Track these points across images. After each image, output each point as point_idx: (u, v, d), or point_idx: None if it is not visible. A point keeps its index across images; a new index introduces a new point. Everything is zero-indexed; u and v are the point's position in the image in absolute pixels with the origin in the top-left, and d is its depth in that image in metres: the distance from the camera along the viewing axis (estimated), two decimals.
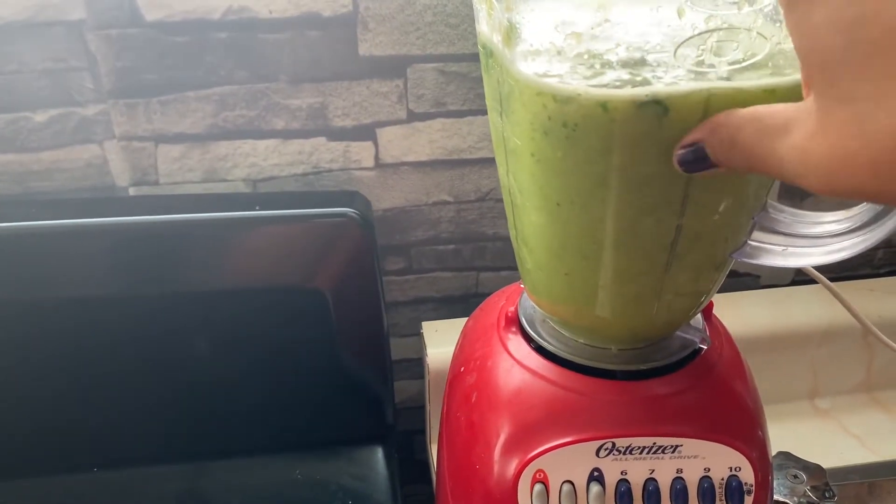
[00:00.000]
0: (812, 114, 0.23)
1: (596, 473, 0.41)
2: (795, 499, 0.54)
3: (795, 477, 0.56)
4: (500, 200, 0.69)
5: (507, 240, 0.71)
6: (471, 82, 0.63)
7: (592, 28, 0.32)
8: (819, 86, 0.23)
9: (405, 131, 0.64)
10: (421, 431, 0.78)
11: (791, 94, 0.30)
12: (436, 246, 0.71)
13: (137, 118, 0.60)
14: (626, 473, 0.41)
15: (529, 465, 0.41)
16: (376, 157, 0.65)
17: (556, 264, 0.39)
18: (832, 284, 0.52)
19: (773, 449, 0.45)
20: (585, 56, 0.32)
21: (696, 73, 0.31)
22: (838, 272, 0.78)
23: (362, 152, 0.65)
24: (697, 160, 0.30)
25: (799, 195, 0.72)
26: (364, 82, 0.62)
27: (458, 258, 0.72)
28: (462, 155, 0.66)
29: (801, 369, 0.72)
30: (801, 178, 0.24)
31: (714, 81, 0.30)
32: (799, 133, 0.24)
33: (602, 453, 0.41)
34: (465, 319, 0.54)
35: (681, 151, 0.30)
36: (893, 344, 0.57)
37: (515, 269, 0.74)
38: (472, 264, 0.72)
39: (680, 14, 0.30)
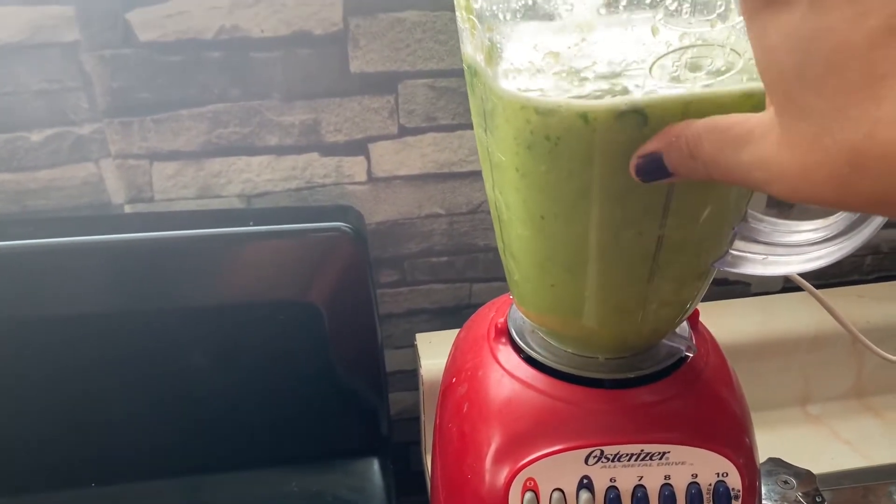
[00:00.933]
0: (774, 125, 0.24)
1: (585, 481, 0.41)
2: None
3: (786, 483, 0.56)
4: None
5: (498, 251, 0.72)
6: (460, 97, 0.64)
7: (570, 48, 0.32)
8: (778, 101, 0.24)
9: (397, 146, 0.65)
10: (416, 443, 0.78)
11: None
12: (429, 258, 0.71)
13: (132, 136, 0.61)
14: (614, 480, 0.42)
15: (520, 474, 0.41)
16: (369, 172, 0.66)
17: (542, 276, 0.40)
18: (818, 292, 0.52)
19: (765, 455, 0.46)
20: (564, 74, 0.33)
21: (673, 85, 0.31)
22: (828, 279, 0.79)
23: (355, 167, 0.66)
24: (655, 170, 0.30)
25: (787, 204, 0.73)
26: (356, 98, 0.63)
27: (451, 270, 0.72)
28: (453, 168, 0.67)
29: (791, 376, 0.72)
30: (767, 185, 0.25)
31: (692, 89, 0.31)
32: (763, 143, 0.25)
33: (591, 461, 0.41)
34: (459, 330, 0.55)
35: (638, 161, 0.31)
36: (880, 350, 0.58)
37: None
38: (465, 276, 0.73)
39: (654, 32, 0.31)
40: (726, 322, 0.69)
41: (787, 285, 0.79)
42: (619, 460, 0.41)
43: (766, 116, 0.25)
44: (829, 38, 0.21)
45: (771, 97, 0.24)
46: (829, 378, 0.73)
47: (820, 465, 0.60)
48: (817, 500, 0.55)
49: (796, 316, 0.72)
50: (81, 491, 0.62)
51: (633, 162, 0.31)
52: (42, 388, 0.60)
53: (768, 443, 0.47)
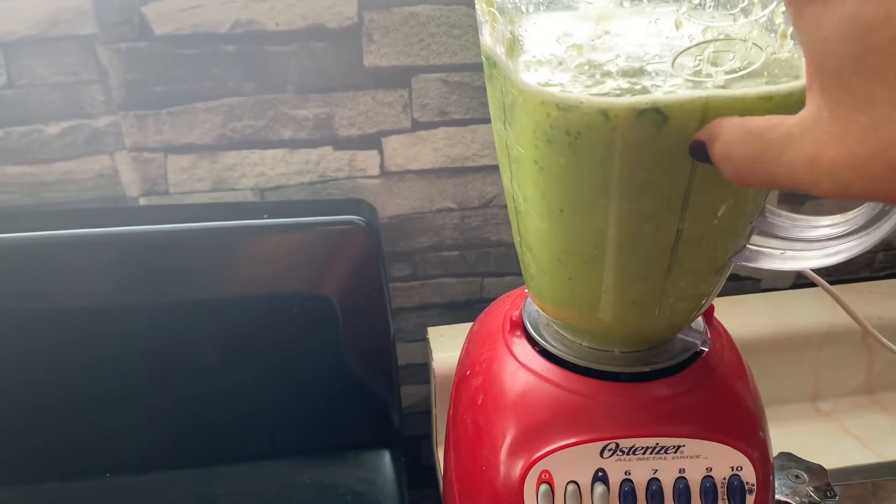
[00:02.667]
0: (821, 121, 0.23)
1: (600, 474, 0.42)
2: (797, 499, 0.55)
3: (797, 477, 0.56)
4: (504, 207, 0.70)
5: (510, 245, 0.72)
6: (474, 91, 0.64)
7: (593, 40, 0.33)
8: (832, 92, 0.23)
9: (410, 140, 0.65)
10: (426, 436, 0.79)
11: (787, 100, 0.31)
12: (440, 252, 0.72)
13: (147, 129, 0.61)
14: (629, 473, 0.42)
15: (535, 466, 0.42)
16: (381, 166, 0.66)
17: (559, 269, 0.40)
18: (832, 287, 0.52)
19: (775, 450, 0.46)
20: (586, 66, 0.33)
21: (694, 81, 0.32)
22: (839, 275, 0.79)
23: (368, 161, 0.66)
24: (702, 157, 0.30)
25: (798, 200, 0.73)
26: (369, 92, 0.63)
27: (463, 264, 0.73)
28: (466, 163, 0.67)
29: (802, 372, 0.73)
30: (814, 185, 0.24)
31: (711, 90, 0.31)
32: (807, 142, 0.24)
33: (606, 454, 0.41)
34: (470, 324, 0.55)
35: (694, 143, 0.31)
36: (893, 346, 0.58)
37: (519, 274, 0.75)
38: (477, 270, 0.73)
39: (677, 26, 0.31)
40: (737, 318, 0.69)
41: (797, 281, 0.79)
42: (633, 453, 0.41)
43: (805, 115, 0.24)
44: (889, 25, 0.20)
45: (823, 91, 0.23)
46: (840, 374, 0.73)
47: (830, 460, 0.60)
48: (829, 494, 0.56)
49: (807, 312, 0.72)
50: (96, 481, 0.63)
51: (690, 142, 0.31)
52: (57, 380, 0.61)
53: (779, 438, 0.47)
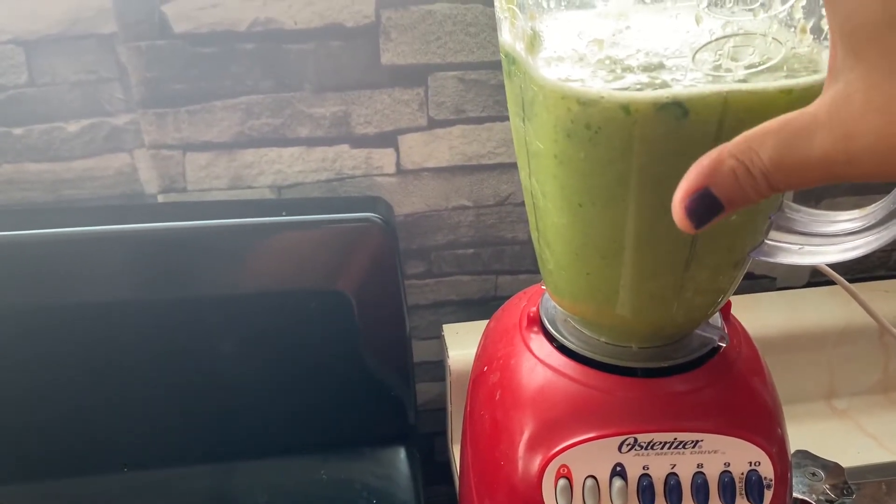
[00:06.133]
0: (855, 95, 0.22)
1: (618, 468, 0.42)
2: (814, 496, 0.55)
3: (814, 475, 0.56)
4: (519, 205, 0.70)
5: (525, 243, 0.72)
6: (490, 90, 0.64)
7: (613, 35, 0.33)
8: (867, 59, 0.22)
9: (426, 138, 0.66)
10: (441, 433, 0.79)
11: (807, 93, 0.31)
12: (455, 250, 0.72)
13: (166, 127, 0.62)
14: (647, 468, 0.42)
15: (553, 461, 0.42)
16: (397, 164, 0.67)
17: (577, 264, 0.40)
18: (850, 285, 0.52)
19: (791, 448, 0.46)
20: (607, 61, 0.33)
21: (714, 76, 0.32)
22: (854, 273, 0.78)
23: (384, 159, 0.66)
24: (707, 208, 0.26)
25: (814, 198, 0.73)
26: (386, 91, 0.63)
27: (478, 262, 0.73)
28: (481, 161, 0.68)
29: (817, 370, 0.72)
30: (853, 165, 0.23)
31: (731, 84, 0.31)
32: (842, 120, 0.23)
33: (624, 449, 0.42)
34: (485, 322, 0.55)
35: (686, 204, 0.27)
36: None
37: (534, 272, 0.75)
38: (491, 268, 0.73)
39: (698, 20, 0.32)
40: (753, 316, 0.68)
41: (812, 280, 0.78)
42: (652, 448, 0.42)
43: (829, 96, 0.23)
44: None
45: (858, 60, 0.22)
46: (856, 372, 0.73)
47: (845, 458, 0.59)
48: (845, 492, 0.55)
49: (823, 310, 0.72)
50: (114, 476, 0.63)
51: (681, 208, 0.27)
52: (76, 376, 0.61)
53: (794, 436, 0.47)
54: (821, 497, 0.55)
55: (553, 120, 0.34)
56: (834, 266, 0.50)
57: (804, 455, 0.58)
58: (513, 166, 0.68)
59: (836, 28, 0.23)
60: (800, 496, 0.55)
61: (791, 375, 0.71)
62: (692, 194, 0.26)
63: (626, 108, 0.32)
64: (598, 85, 0.32)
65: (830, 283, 0.70)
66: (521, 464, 0.43)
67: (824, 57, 0.32)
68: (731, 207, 0.26)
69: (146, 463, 0.64)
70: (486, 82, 0.64)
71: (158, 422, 0.63)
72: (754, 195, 0.26)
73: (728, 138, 0.32)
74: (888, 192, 0.35)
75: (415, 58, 0.62)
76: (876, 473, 0.66)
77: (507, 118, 0.66)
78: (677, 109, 0.31)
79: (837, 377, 0.73)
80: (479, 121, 0.66)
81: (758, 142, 0.25)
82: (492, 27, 0.62)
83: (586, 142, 0.34)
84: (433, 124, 0.65)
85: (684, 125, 0.32)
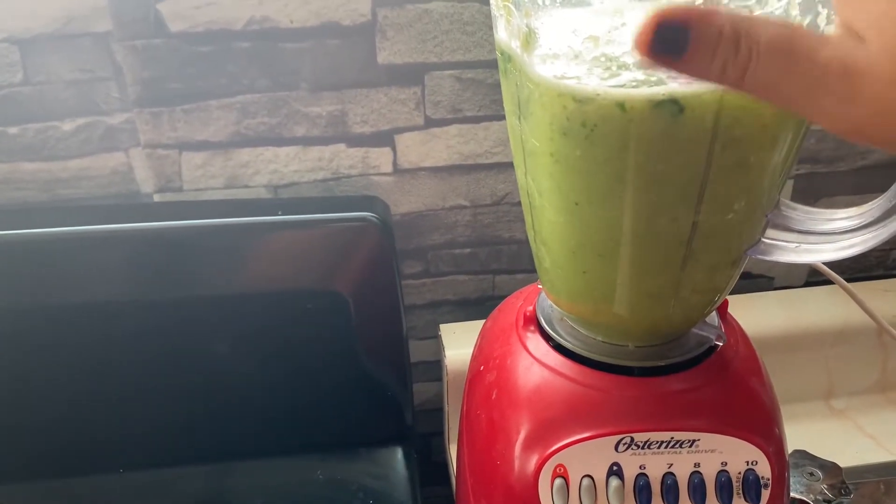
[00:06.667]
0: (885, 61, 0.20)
1: (615, 468, 0.42)
2: (812, 496, 0.55)
3: (812, 475, 0.56)
4: (516, 204, 0.70)
5: (522, 243, 0.72)
6: (487, 88, 0.64)
7: (609, 32, 0.33)
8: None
9: (423, 137, 0.66)
10: (438, 434, 0.79)
11: None
12: (452, 250, 0.72)
13: (162, 126, 0.62)
14: (644, 468, 0.42)
15: (550, 461, 0.42)
16: (394, 163, 0.66)
17: (574, 263, 0.40)
18: (848, 284, 0.52)
19: (789, 447, 0.46)
20: (602, 59, 0.33)
21: None
22: (852, 273, 0.78)
23: (381, 158, 0.66)
24: (670, 45, 0.22)
25: (812, 196, 0.73)
26: (382, 90, 0.63)
27: (475, 261, 0.73)
28: (478, 160, 0.67)
29: (815, 370, 0.72)
30: (851, 100, 0.21)
31: None
32: (847, 45, 0.21)
33: (621, 448, 0.41)
34: (482, 322, 0.55)
35: (657, 28, 0.22)
36: None
37: (531, 271, 0.75)
38: (489, 267, 0.73)
39: None
40: (750, 316, 0.68)
41: (810, 279, 0.78)
42: (648, 447, 0.41)
43: (838, 27, 0.21)
44: None
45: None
46: (854, 372, 0.73)
47: (843, 458, 0.59)
48: (843, 492, 0.55)
49: (821, 310, 0.72)
50: (109, 477, 0.63)
51: (648, 27, 0.22)
52: (70, 376, 0.61)
53: (792, 436, 0.47)
54: (818, 497, 0.55)
55: (549, 118, 0.34)
56: (831, 265, 0.49)
57: (802, 455, 0.58)
58: (510, 165, 0.68)
59: None
60: (797, 496, 0.55)
61: (789, 375, 0.71)
62: (666, 21, 0.22)
63: (621, 106, 0.32)
64: (594, 82, 0.32)
65: (828, 282, 0.69)
66: (517, 463, 0.43)
67: None
68: (688, 62, 0.22)
69: (141, 463, 0.63)
70: (483, 81, 0.64)
71: (153, 422, 0.63)
72: (719, 69, 0.22)
73: (724, 136, 0.33)
74: (885, 190, 0.35)
75: (411, 56, 0.62)
76: (874, 473, 0.66)
77: (504, 117, 0.66)
78: (673, 107, 0.31)
79: (835, 377, 0.73)
80: (476, 120, 0.66)
81: (762, 24, 0.22)
82: (488, 26, 0.62)
83: (582, 140, 0.34)
84: (430, 123, 0.65)
85: (680, 123, 0.32)
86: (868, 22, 0.21)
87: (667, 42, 0.22)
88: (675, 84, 0.31)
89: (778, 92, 0.22)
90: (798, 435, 0.57)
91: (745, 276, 0.77)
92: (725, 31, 0.22)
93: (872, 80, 0.20)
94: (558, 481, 0.42)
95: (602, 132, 0.33)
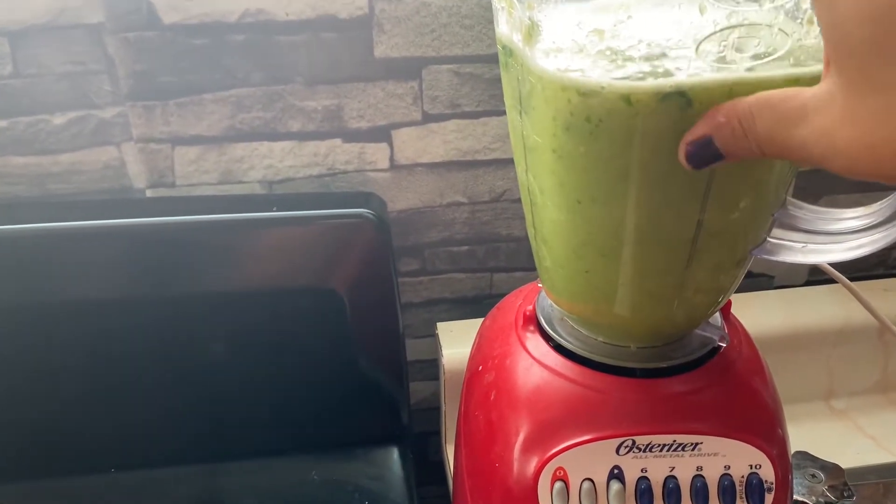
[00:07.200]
0: (836, 100, 0.24)
1: (616, 471, 0.41)
2: (814, 498, 0.54)
3: (813, 476, 0.55)
4: (514, 201, 0.69)
5: (520, 240, 0.71)
6: (485, 83, 0.63)
7: (615, 25, 0.32)
8: (848, 73, 0.23)
9: (420, 133, 0.65)
10: (434, 433, 0.78)
11: (814, 83, 0.30)
12: (450, 247, 0.71)
13: (155, 120, 0.61)
14: (645, 471, 0.41)
15: (549, 463, 0.41)
16: (391, 159, 0.65)
17: (576, 262, 0.39)
18: (851, 283, 0.51)
19: (791, 449, 0.45)
20: (607, 52, 0.32)
21: (718, 67, 0.31)
22: (853, 272, 0.77)
23: (377, 154, 0.65)
24: (706, 155, 0.30)
25: (814, 194, 0.72)
26: (379, 84, 0.62)
27: (472, 259, 0.72)
28: (476, 156, 0.66)
29: (816, 370, 0.72)
30: (826, 160, 0.25)
31: (737, 72, 0.30)
32: (824, 117, 0.24)
33: (622, 451, 0.41)
34: (480, 320, 0.54)
35: (688, 148, 0.30)
36: None
37: (529, 269, 0.74)
38: (486, 265, 0.72)
39: (702, 10, 0.31)
40: (751, 315, 0.67)
41: (811, 278, 0.78)
42: (650, 451, 0.41)
43: (821, 90, 0.25)
44: None
45: (839, 71, 0.24)
46: (855, 372, 0.72)
47: (844, 459, 0.59)
48: (845, 494, 0.55)
49: (822, 309, 0.71)
50: (103, 477, 0.62)
51: (683, 149, 0.30)
52: (62, 374, 0.60)
53: (792, 436, 0.46)
54: (820, 499, 0.55)
55: (552, 113, 0.33)
56: (832, 264, 0.49)
57: (803, 456, 0.57)
58: (508, 162, 0.67)
59: (824, 35, 0.24)
60: (799, 498, 0.54)
61: (789, 375, 0.70)
62: (696, 139, 0.30)
63: (627, 99, 0.31)
64: (599, 74, 0.31)
65: (829, 281, 0.69)
66: (516, 466, 0.42)
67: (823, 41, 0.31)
68: (729, 158, 0.29)
69: (134, 463, 0.63)
70: (482, 76, 0.63)
71: (146, 421, 0.62)
72: (749, 155, 0.28)
73: None
74: (888, 189, 0.34)
75: (409, 50, 0.61)
76: (875, 474, 0.65)
77: (502, 113, 0.65)
78: (680, 99, 0.30)
79: (836, 377, 0.72)
80: (475, 115, 0.65)
81: (758, 110, 0.27)
82: (487, 19, 0.61)
83: (586, 135, 0.33)
84: (427, 119, 0.64)
85: (687, 116, 0.31)
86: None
87: (704, 152, 0.30)
88: (682, 76, 0.31)
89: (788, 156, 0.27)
90: (798, 435, 0.56)
91: (745, 274, 0.76)
92: (736, 131, 0.28)
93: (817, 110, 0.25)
94: (558, 484, 0.41)
95: (607, 128, 0.32)
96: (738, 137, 0.28)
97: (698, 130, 0.30)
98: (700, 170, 0.31)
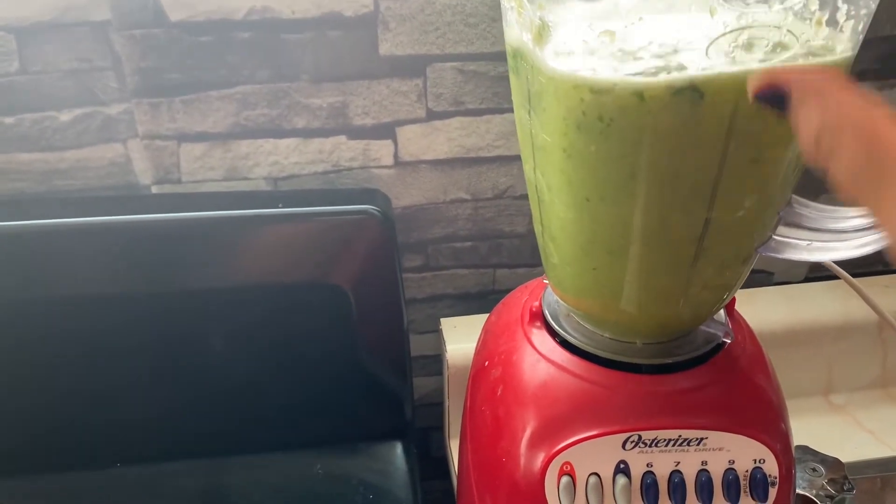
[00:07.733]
0: None
1: (622, 466, 0.41)
2: (814, 492, 0.55)
3: (814, 470, 0.56)
4: (518, 198, 0.70)
5: (523, 237, 0.72)
6: (489, 81, 0.64)
7: (626, 27, 0.32)
8: None
9: (424, 130, 0.65)
10: (437, 428, 0.78)
11: None
12: (453, 243, 0.71)
13: (160, 117, 0.61)
14: (651, 466, 0.42)
15: (556, 458, 0.41)
16: (395, 156, 0.66)
17: (583, 259, 0.40)
18: (854, 280, 0.52)
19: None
20: (618, 53, 0.32)
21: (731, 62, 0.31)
22: (853, 268, 0.78)
23: (382, 150, 0.65)
24: (774, 103, 0.28)
25: (813, 192, 0.73)
26: (384, 81, 0.62)
27: (475, 255, 0.72)
28: (480, 153, 0.67)
29: (816, 365, 0.72)
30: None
31: (749, 65, 0.31)
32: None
33: (628, 446, 0.41)
34: (483, 316, 0.55)
35: (763, 88, 0.29)
36: None
37: (532, 265, 0.75)
38: (489, 261, 0.73)
39: (712, 12, 0.31)
40: (751, 311, 0.68)
41: (810, 275, 0.78)
42: (656, 445, 0.41)
43: None
44: None
45: None
46: (854, 368, 0.73)
47: (843, 454, 0.59)
48: (845, 487, 0.55)
49: (821, 305, 0.71)
50: (107, 471, 0.62)
51: (759, 83, 0.29)
52: (68, 369, 0.60)
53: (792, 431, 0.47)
54: (821, 492, 0.55)
55: (563, 112, 0.34)
56: (836, 262, 0.49)
57: (804, 450, 0.58)
58: (512, 159, 0.68)
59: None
60: (801, 492, 0.55)
61: (789, 370, 0.70)
62: (774, 87, 0.28)
63: (640, 95, 0.31)
64: (611, 72, 0.32)
65: (829, 277, 0.69)
66: (523, 461, 0.43)
67: (840, 45, 0.32)
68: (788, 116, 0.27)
69: (140, 458, 0.63)
70: (486, 74, 0.63)
71: (151, 416, 0.63)
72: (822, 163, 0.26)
73: (742, 126, 0.32)
74: None
75: (413, 48, 0.61)
76: (874, 469, 0.66)
77: (506, 110, 0.66)
78: (693, 94, 0.31)
79: (836, 372, 0.73)
80: (478, 113, 0.65)
81: (854, 136, 0.24)
82: (491, 17, 0.61)
83: (597, 134, 0.33)
84: (432, 116, 0.64)
85: (699, 111, 0.31)
86: None
87: (772, 101, 0.28)
88: (694, 69, 0.31)
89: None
90: (797, 430, 0.57)
91: None
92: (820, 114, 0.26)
93: None
94: (565, 479, 0.41)
95: (619, 126, 0.33)
96: (818, 142, 0.26)
97: (781, 77, 0.28)
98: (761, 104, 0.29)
